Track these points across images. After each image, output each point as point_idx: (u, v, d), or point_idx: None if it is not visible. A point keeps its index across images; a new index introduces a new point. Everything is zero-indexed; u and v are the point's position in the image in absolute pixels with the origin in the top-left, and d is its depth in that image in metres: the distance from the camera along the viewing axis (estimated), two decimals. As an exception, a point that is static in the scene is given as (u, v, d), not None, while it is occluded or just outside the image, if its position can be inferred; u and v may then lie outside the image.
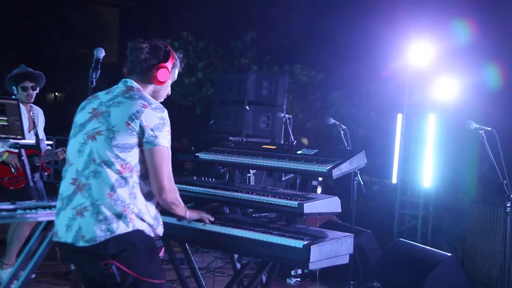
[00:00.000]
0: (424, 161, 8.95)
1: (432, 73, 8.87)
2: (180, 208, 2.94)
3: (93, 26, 17.52)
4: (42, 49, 16.06)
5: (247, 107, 7.74)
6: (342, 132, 5.77)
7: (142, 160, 2.72)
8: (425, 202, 9.06)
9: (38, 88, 5.60)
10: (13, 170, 5.42)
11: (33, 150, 5.39)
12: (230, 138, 7.60)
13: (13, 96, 5.57)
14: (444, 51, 8.73)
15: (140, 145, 2.71)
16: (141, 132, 2.69)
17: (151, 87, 2.93)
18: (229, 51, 11.98)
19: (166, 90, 3.03)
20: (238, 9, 12.60)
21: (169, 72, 2.95)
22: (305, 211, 3.19)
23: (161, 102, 2.92)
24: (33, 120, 5.63)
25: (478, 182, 8.99)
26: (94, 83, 3.78)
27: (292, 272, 6.55)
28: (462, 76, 8.59)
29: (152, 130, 2.69)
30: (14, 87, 5.50)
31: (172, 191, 2.78)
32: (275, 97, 8.02)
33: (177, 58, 3.05)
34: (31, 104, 5.65)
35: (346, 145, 5.74)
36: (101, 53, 3.69)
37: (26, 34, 15.46)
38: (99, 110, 2.78)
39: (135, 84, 2.87)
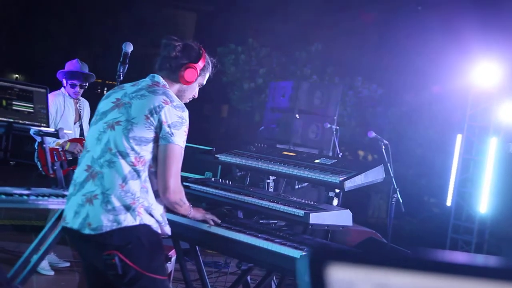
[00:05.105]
0: (483, 185, 8.53)
1: (498, 95, 8.45)
2: (184, 208, 2.90)
3: (168, 28, 17.94)
4: (114, 46, 16.55)
5: (297, 115, 7.63)
6: (383, 146, 5.55)
7: (156, 157, 2.71)
8: (479, 228, 8.65)
9: (86, 85, 5.73)
10: (55, 158, 5.55)
11: (79, 140, 5.54)
12: (278, 145, 7.50)
13: (62, 87, 5.77)
14: (513, 73, 8.31)
15: (157, 140, 2.70)
16: (159, 128, 2.68)
17: (177, 86, 2.91)
18: (292, 60, 11.91)
19: (192, 92, 2.99)
20: (309, 21, 12.57)
21: (198, 74, 2.92)
22: (311, 221, 3.07)
23: (186, 103, 2.91)
24: (79, 112, 5.76)
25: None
26: (122, 77, 3.83)
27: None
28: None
29: (169, 126, 2.68)
30: (64, 80, 5.65)
31: (176, 192, 2.74)
32: (326, 107, 7.86)
33: (210, 62, 3.02)
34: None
35: (386, 160, 5.52)
36: (129, 48, 3.76)
37: (100, 31, 15.99)
38: (122, 100, 2.79)
39: (161, 80, 2.87)
